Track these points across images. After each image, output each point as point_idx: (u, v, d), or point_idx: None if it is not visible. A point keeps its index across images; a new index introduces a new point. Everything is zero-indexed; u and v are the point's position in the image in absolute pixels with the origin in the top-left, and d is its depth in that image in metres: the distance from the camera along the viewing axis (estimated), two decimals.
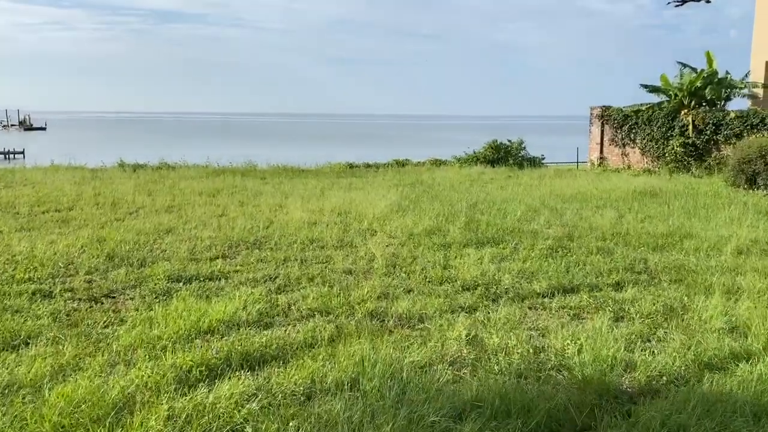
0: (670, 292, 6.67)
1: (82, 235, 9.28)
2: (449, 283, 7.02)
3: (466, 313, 6.06)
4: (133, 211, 12.43)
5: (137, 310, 6.02)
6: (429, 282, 7.10)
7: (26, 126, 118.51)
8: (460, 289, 6.80)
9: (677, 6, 21.24)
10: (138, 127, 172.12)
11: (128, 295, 6.58)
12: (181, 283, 6.94)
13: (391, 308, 6.09)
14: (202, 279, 7.15)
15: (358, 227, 10.37)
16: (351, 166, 25.06)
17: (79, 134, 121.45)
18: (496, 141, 25.07)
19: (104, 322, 5.72)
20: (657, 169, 22.41)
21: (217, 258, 8.26)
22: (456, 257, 8.22)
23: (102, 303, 6.31)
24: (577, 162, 26.51)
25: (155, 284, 6.82)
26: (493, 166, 23.19)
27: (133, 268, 7.59)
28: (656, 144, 22.68)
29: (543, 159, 25.45)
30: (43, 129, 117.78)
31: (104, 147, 73.70)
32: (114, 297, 6.52)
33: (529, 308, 6.24)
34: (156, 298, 6.41)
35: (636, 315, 5.99)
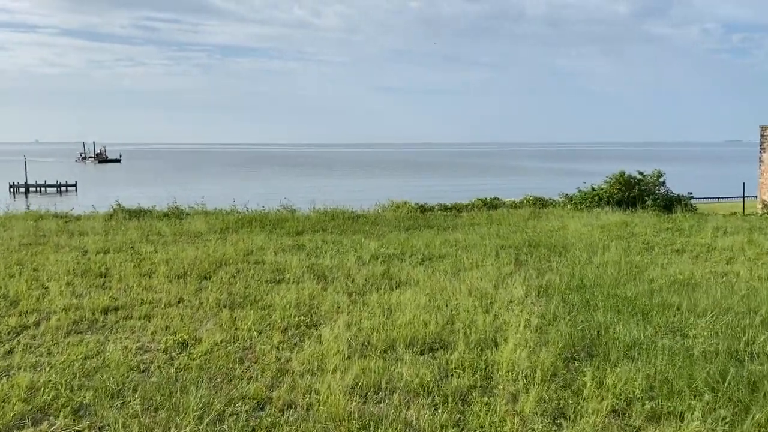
0: None
1: None
2: None
3: None
4: (22, 326, 6.32)
5: None
6: None
7: (101, 158, 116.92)
8: None
9: None
10: (203, 158, 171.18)
11: None
12: None
13: None
14: None
15: None
16: (423, 209, 18.40)
17: (149, 165, 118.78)
18: (624, 174, 18.13)
19: None
20: None
21: None
22: None
23: None
24: (744, 197, 19.15)
25: None
26: (626, 209, 16.25)
27: None
28: None
29: (692, 198, 18.28)
30: (118, 161, 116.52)
31: (157, 179, 70.17)
32: None
33: None
34: None
35: None
